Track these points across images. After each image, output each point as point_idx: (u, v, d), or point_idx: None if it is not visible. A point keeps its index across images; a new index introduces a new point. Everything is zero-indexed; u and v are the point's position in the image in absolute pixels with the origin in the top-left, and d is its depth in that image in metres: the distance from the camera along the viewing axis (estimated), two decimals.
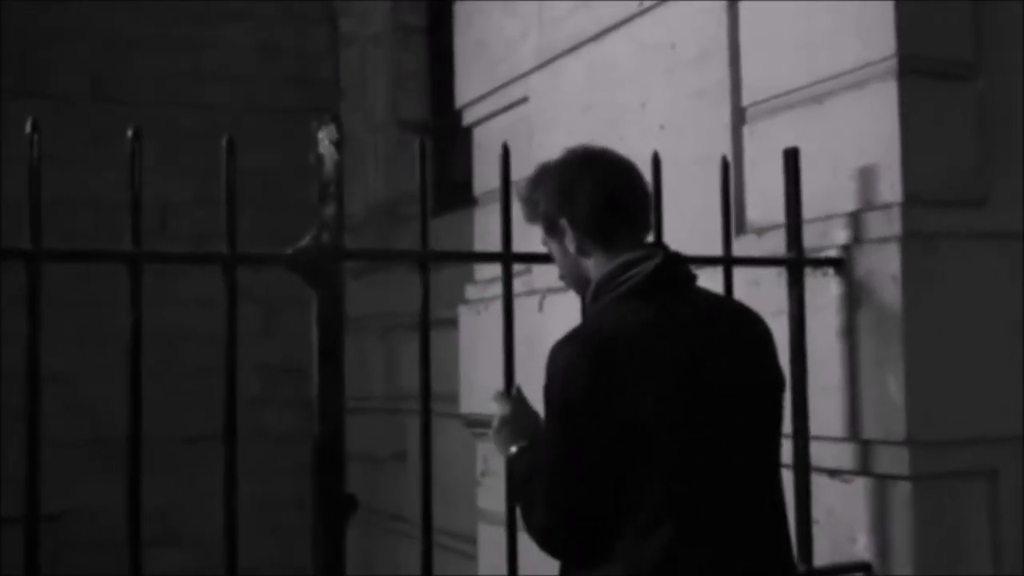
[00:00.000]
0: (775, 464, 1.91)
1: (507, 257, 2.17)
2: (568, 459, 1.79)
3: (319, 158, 2.05)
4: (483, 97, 3.96)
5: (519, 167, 3.86)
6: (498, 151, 3.96)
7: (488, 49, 3.90)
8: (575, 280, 2.01)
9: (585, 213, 1.89)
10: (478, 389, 3.95)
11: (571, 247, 1.93)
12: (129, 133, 1.93)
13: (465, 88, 4.11)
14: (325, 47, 6.62)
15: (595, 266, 1.92)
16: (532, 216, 2.00)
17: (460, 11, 4.12)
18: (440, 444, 4.89)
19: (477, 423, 4.05)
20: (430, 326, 2.21)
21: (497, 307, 3.95)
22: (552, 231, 1.97)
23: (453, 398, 4.45)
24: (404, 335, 5.93)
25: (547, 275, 3.59)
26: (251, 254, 2.05)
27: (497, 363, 3.91)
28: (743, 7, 2.72)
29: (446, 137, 5.89)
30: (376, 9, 6.31)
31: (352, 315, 6.63)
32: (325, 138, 2.05)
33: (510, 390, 2.18)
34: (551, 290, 3.52)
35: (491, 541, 3.95)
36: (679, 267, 1.91)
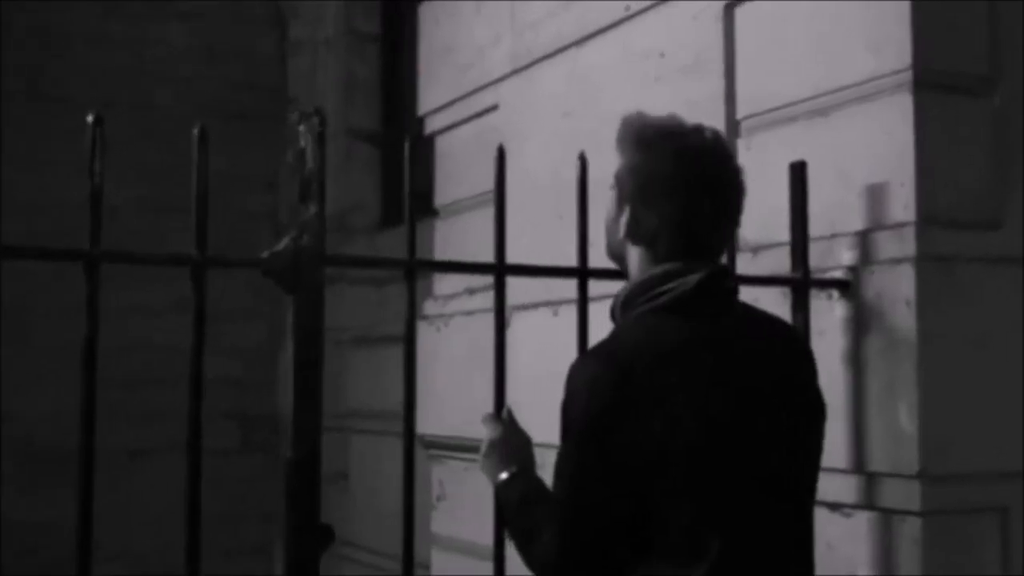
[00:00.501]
0: (810, 494, 1.79)
1: (501, 268, 2.00)
2: (587, 485, 1.64)
3: (300, 154, 1.88)
4: (449, 104, 3.80)
5: (485, 178, 3.72)
6: (464, 160, 3.84)
7: (456, 54, 3.74)
8: (610, 249, 1.88)
9: (651, 226, 1.75)
10: (435, 408, 3.78)
11: (621, 228, 1.79)
12: (89, 119, 1.75)
13: (429, 95, 3.94)
14: (274, 52, 6.40)
15: (635, 261, 1.79)
16: (616, 144, 1.83)
17: (425, 15, 3.95)
18: (388, 465, 4.70)
19: (433, 444, 3.88)
20: (415, 340, 2.04)
21: (457, 323, 3.81)
22: (616, 191, 1.81)
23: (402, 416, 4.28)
24: (350, 351, 5.73)
25: (513, 291, 3.44)
26: (223, 258, 1.87)
27: (457, 381, 3.75)
28: (740, 15, 2.60)
29: (396, 147, 5.72)
30: (328, 15, 6.12)
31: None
32: (307, 133, 1.88)
33: (500, 412, 2.01)
34: (519, 307, 3.36)
35: (446, 568, 3.77)
36: (722, 281, 1.77)
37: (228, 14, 6.34)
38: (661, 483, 1.60)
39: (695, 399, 1.62)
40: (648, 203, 1.74)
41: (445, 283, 3.86)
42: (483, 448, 1.97)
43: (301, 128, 1.88)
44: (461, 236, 3.76)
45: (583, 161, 2.10)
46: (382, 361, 4.91)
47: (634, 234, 1.77)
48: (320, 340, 1.85)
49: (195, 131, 1.81)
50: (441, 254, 3.91)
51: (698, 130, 1.81)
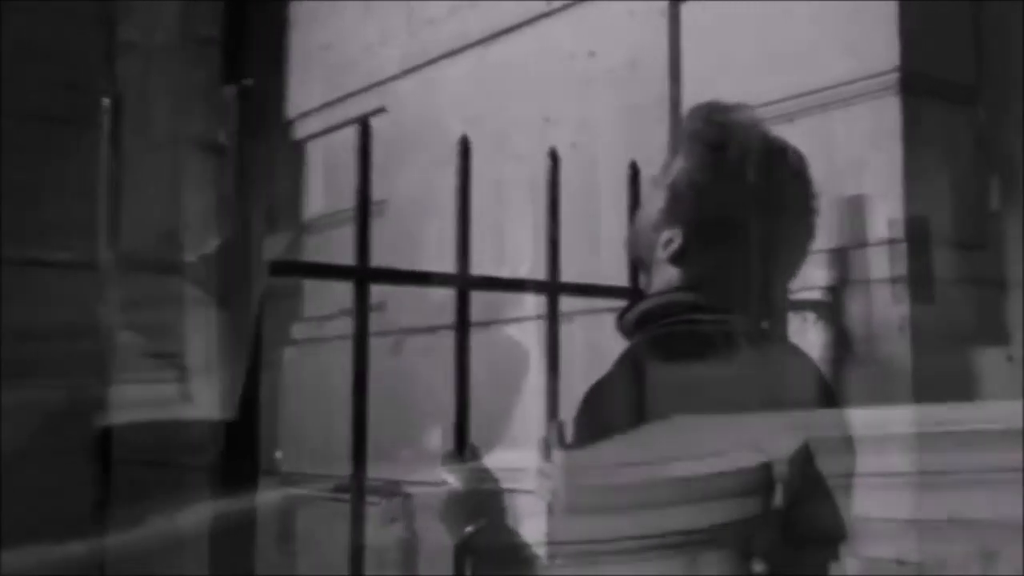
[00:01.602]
0: None
1: (464, 281, 1.70)
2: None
3: (234, 137, 1.54)
4: (325, 106, 3.46)
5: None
6: (341, 168, 3.51)
7: (336, 53, 3.41)
8: (633, 250, 1.68)
9: (699, 269, 1.53)
10: (306, 442, 3.43)
11: (661, 245, 1.54)
12: None
13: (301, 97, 3.59)
14: (100, 52, 5.87)
15: (665, 278, 1.57)
16: (686, 135, 1.58)
17: (301, 11, 3.60)
18: None
19: (301, 481, 3.52)
20: (364, 355, 1.71)
21: (335, 348, 3.46)
22: (667, 199, 1.57)
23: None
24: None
25: (406, 312, 3.13)
26: (137, 261, 1.51)
27: (329, 412, 3.40)
28: (687, 12, 2.38)
29: (244, 156, 5.31)
30: (164, 16, 5.64)
31: None
32: (240, 113, 1.54)
33: (462, 452, 1.70)
34: (412, 330, 3.06)
35: None
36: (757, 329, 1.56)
37: (48, 8, 5.79)
38: None
39: None
40: (706, 244, 1.54)
41: (316, 303, 3.52)
42: (444, 497, 1.66)
43: (233, 105, 1.54)
44: (336, 252, 3.43)
45: (554, 159, 1.83)
46: None
47: (677, 260, 1.53)
48: (258, 368, 1.50)
49: (105, 101, 1.45)
50: None
51: (785, 156, 1.61)
